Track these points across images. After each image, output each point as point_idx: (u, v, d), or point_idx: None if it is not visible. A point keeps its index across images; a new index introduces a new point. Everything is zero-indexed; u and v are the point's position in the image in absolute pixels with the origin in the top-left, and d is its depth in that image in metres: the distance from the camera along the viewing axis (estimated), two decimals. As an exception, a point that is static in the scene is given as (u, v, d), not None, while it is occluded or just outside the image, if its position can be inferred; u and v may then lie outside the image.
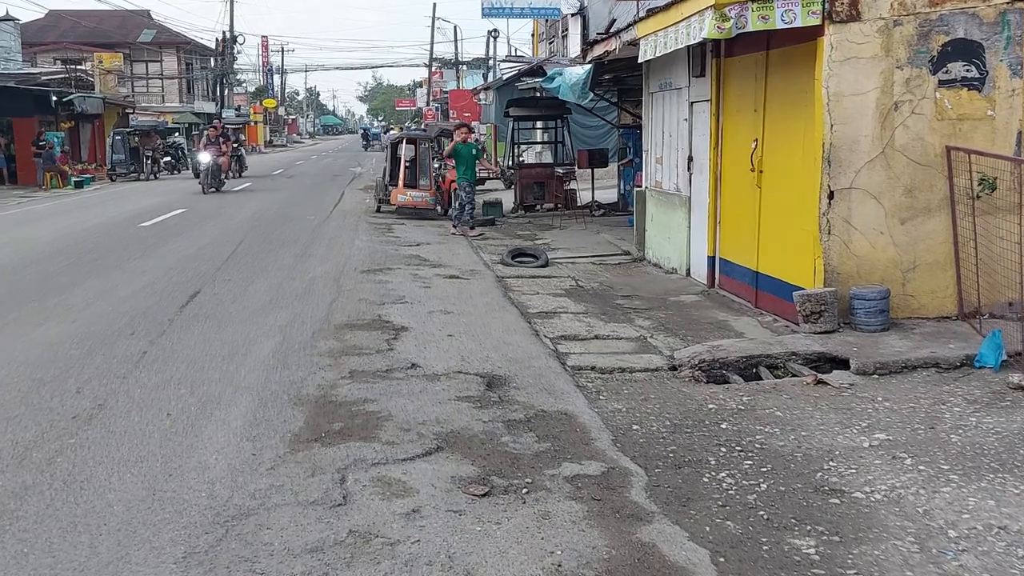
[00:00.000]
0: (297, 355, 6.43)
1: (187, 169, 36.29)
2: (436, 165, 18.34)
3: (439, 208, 17.50)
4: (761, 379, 6.11)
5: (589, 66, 12.16)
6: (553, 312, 8.46)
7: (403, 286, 9.47)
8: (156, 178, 29.87)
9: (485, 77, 46.72)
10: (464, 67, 62.69)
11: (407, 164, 17.42)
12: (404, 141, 17.76)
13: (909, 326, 6.95)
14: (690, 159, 10.03)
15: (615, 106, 17.89)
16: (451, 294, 9.18)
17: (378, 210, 17.86)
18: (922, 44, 6.95)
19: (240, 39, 61.06)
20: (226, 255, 11.58)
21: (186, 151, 38.57)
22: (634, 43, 9.56)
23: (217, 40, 59.36)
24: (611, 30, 11.07)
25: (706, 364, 6.29)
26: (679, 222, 10.38)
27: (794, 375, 6.19)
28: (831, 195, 6.93)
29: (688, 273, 10.19)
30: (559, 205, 17.16)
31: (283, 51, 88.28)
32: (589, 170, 17.30)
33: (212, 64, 61.08)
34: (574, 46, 33.10)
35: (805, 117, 7.32)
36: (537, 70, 19.51)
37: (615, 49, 9.97)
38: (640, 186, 15.24)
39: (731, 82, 9.00)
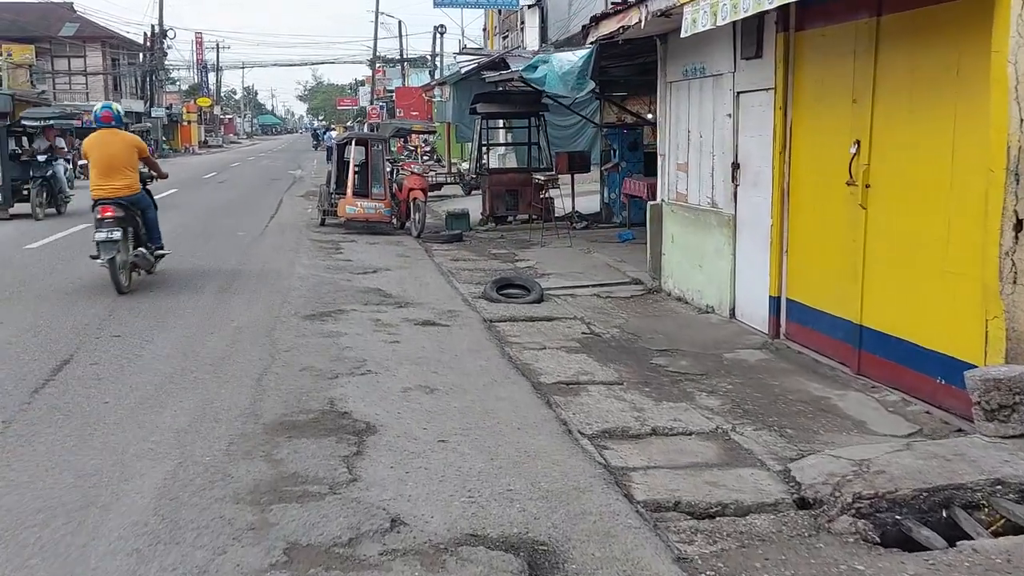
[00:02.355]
0: (196, 507, 3.78)
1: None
2: (390, 170, 15.76)
3: (395, 220, 14.93)
4: (970, 537, 3.75)
5: (587, 51, 9.75)
6: (576, 382, 6.02)
7: (362, 341, 6.91)
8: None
9: (432, 75, 44.19)
10: (407, 65, 59.96)
11: (356, 169, 14.80)
12: (353, 143, 15.10)
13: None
14: (735, 166, 7.70)
15: (599, 100, 15.57)
16: (430, 353, 6.66)
17: (322, 223, 15.20)
18: None
19: (170, 34, 57.44)
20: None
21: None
22: (668, 13, 7.18)
23: (145, 35, 55.63)
24: None
25: (866, 503, 3.91)
26: (718, 247, 8.03)
27: (1009, 520, 3.86)
28: (1019, 225, 4.62)
29: (733, 315, 7.85)
30: (535, 217, 14.73)
31: (218, 48, 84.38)
32: (567, 176, 14.90)
33: (141, 60, 57.22)
34: (532, 40, 30.82)
35: (961, 109, 5.01)
36: (499, 63, 17.08)
37: (638, 22, 7.59)
38: (648, 198, 12.96)
39: (805, 65, 6.68)
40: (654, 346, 7.09)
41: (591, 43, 9.29)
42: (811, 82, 6.60)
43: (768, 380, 6.10)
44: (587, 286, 9.69)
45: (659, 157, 9.54)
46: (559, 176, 13.89)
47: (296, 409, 5.14)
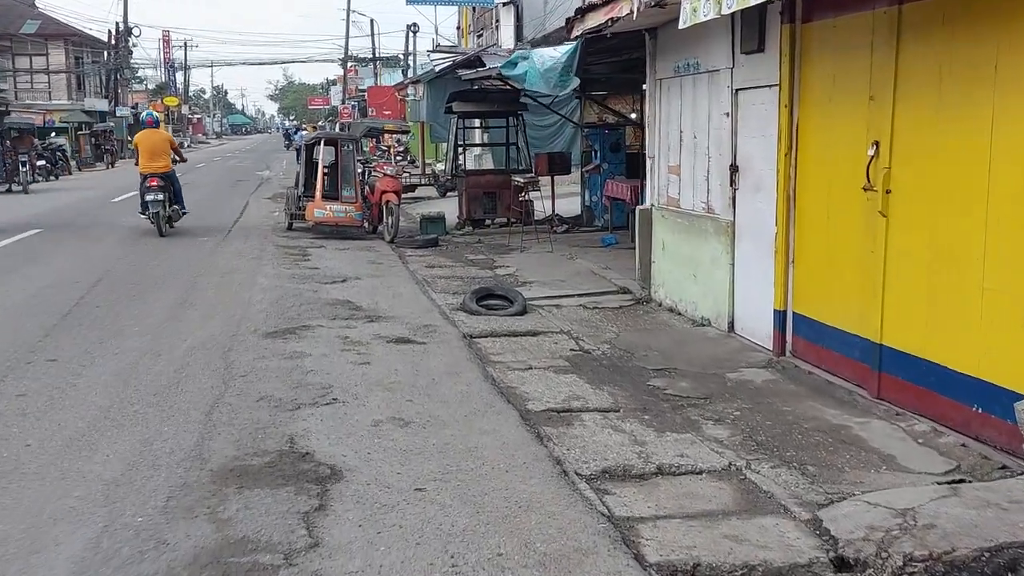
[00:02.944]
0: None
1: (68, 174, 31.91)
2: (362, 171, 15.07)
3: (367, 224, 14.24)
4: (1048, 609, 3.19)
5: (571, 46, 9.14)
6: (568, 409, 5.41)
7: (329, 363, 6.24)
8: (26, 191, 24.09)
9: (404, 74, 43.43)
10: (380, 64, 59.09)
11: (326, 171, 14.10)
12: (322, 143, 14.38)
13: None
14: (734, 169, 7.13)
15: (580, 100, 14.98)
16: (404, 376, 6.01)
17: (290, 227, 14.47)
18: None
19: (135, 31, 56.18)
20: (68, 306, 8.10)
21: (68, 154, 34.02)
22: (663, 3, 6.57)
23: (110, 32, 54.24)
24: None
25: (920, 568, 3.34)
26: (714, 256, 7.47)
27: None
28: (1076, 238, 4.06)
29: (732, 328, 7.28)
30: (514, 220, 14.10)
31: (186, 46, 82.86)
32: (546, 178, 14.29)
33: (105, 58, 55.80)
34: (507, 39, 30.17)
35: (1000, 108, 4.47)
36: (475, 61, 16.45)
37: (629, 14, 6.98)
38: (632, 201, 12.43)
39: (814, 59, 6.12)
40: (650, 364, 6.51)
41: (576, 37, 8.68)
42: (821, 78, 6.04)
43: (779, 405, 5.53)
44: (572, 296, 9.09)
45: (647, 159, 8.96)
46: (539, 178, 13.26)
47: (250, 450, 4.47)
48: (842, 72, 5.78)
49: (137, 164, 13.44)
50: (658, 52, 8.61)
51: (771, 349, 6.60)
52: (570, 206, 15.65)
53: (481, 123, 15.57)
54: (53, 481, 4.04)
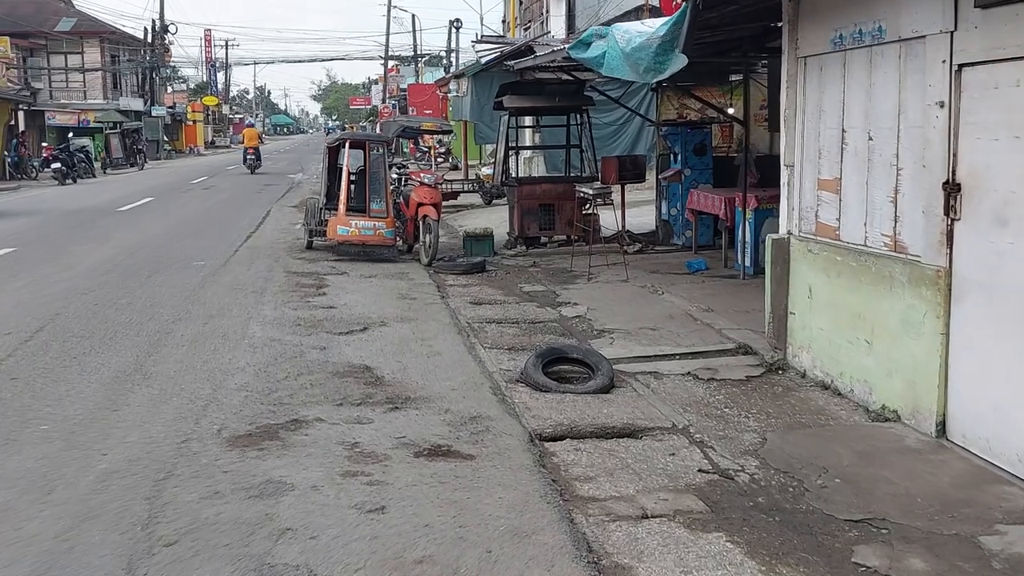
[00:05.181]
0: None
1: (91, 177, 30.14)
2: (395, 177, 12.73)
3: (400, 243, 11.89)
4: None
5: (677, 13, 6.63)
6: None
7: (318, 514, 3.80)
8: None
9: (446, 72, 41.23)
10: (422, 63, 57.05)
11: (352, 179, 11.77)
12: (346, 145, 12.01)
13: None
14: (953, 188, 4.58)
15: (656, 92, 12.46)
16: (440, 544, 3.56)
17: (309, 246, 12.18)
18: None
19: (172, 28, 54.61)
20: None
21: (91, 155, 32.29)
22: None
23: (146, 30, 52.92)
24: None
25: None
26: (907, 317, 4.92)
27: None
28: None
29: (943, 431, 4.73)
30: (574, 238, 11.60)
31: (227, 46, 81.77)
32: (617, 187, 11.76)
33: (141, 56, 54.43)
34: (557, 30, 27.66)
35: None
36: (525, 51, 14.00)
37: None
38: (726, 217, 9.94)
39: None
40: (837, 510, 3.99)
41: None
42: None
43: None
44: (673, 356, 6.60)
45: (784, 168, 6.42)
46: (611, 189, 10.73)
47: None
48: None
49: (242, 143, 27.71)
50: (802, 18, 6.08)
51: (1036, 483, 4.05)
52: (641, 220, 13.13)
53: (535, 121, 13.07)
54: None
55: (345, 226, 11.22)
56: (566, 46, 8.78)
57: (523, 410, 5.34)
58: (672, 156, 12.14)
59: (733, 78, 12.44)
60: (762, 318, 6.74)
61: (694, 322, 7.69)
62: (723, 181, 12.00)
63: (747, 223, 9.67)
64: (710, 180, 11.91)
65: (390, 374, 6.01)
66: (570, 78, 12.29)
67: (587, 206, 11.72)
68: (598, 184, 10.82)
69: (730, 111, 10.74)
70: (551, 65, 12.01)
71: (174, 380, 5.70)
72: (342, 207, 11.36)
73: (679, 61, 6.58)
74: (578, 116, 12.47)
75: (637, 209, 13.72)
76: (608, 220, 11.67)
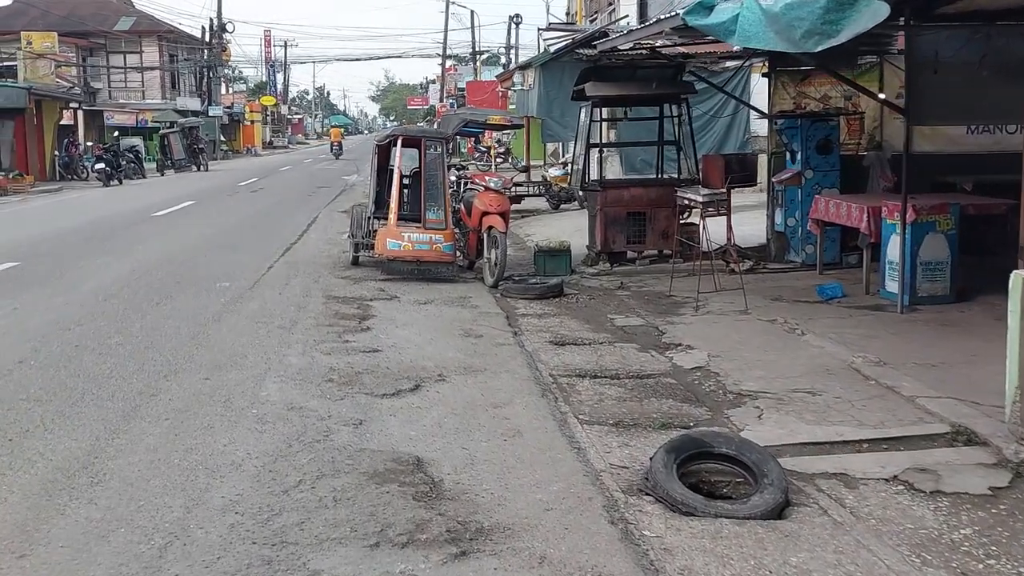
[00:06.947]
0: None
1: (142, 178, 29.06)
2: (453, 180, 10.88)
3: (460, 258, 10.02)
4: None
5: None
6: None
7: None
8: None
9: (506, 68, 39.42)
10: (480, 62, 55.38)
11: (405, 183, 9.93)
12: (399, 143, 10.14)
13: None
14: None
15: (770, 78, 10.37)
16: None
17: (355, 262, 10.38)
18: None
19: (229, 27, 53.83)
20: None
21: (141, 156, 31.27)
22: None
23: (204, 29, 52.32)
24: None
25: None
26: None
27: None
28: None
29: None
30: (673, 254, 9.55)
31: (286, 46, 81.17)
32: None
33: (199, 56, 53.82)
34: (628, 23, 25.54)
35: None
36: (598, 38, 11.98)
37: None
38: (869, 230, 7.88)
39: None
40: None
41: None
42: None
43: None
44: (860, 445, 4.57)
45: (1035, 172, 4.32)
46: (724, 195, 8.63)
47: None
48: None
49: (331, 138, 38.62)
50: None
51: None
52: (742, 231, 10.99)
53: (624, 113, 11.07)
54: None
55: (396, 239, 9.37)
56: (679, 12, 6.72)
57: (662, 557, 3.36)
58: (789, 155, 10.02)
59: (862, 60, 10.29)
60: (963, 378, 4.74)
61: (866, 382, 5.60)
62: (850, 186, 9.87)
63: (903, 239, 7.57)
64: (836, 184, 9.79)
65: (451, 475, 4.08)
66: (665, 60, 10.27)
67: (686, 214, 9.69)
68: (706, 189, 8.74)
69: (882, 96, 8.51)
70: (641, 47, 10.01)
71: (131, 490, 3.84)
72: (392, 216, 9.51)
73: (870, 14, 4.52)
74: (674, 107, 10.41)
75: (737, 216, 11.60)
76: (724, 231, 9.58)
